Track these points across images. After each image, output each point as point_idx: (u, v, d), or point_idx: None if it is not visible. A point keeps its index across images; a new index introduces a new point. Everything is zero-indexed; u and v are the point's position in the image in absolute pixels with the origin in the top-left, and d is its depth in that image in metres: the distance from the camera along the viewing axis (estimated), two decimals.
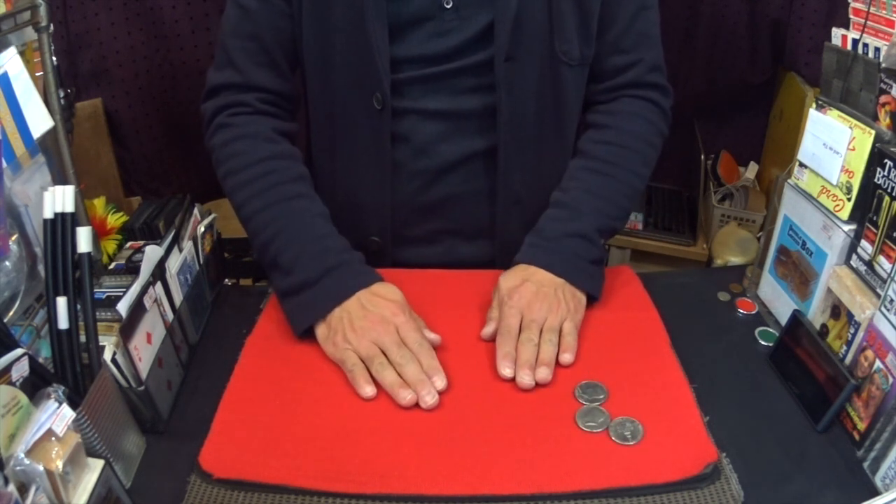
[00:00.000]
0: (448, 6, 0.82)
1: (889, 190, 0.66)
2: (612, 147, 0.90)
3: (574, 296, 0.82)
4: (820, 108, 0.75)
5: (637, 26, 0.88)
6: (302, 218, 0.83)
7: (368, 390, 0.71)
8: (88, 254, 0.67)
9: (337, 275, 0.79)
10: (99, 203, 0.96)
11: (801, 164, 0.79)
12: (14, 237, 0.65)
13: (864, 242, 0.70)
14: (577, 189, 0.88)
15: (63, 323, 0.64)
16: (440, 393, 0.71)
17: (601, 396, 0.70)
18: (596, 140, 0.91)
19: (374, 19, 0.81)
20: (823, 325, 0.75)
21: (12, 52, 0.69)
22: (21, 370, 0.54)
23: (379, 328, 0.74)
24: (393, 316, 0.75)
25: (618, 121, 0.91)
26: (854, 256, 0.72)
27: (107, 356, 0.64)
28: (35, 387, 0.56)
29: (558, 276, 0.82)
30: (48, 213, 0.66)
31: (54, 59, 0.81)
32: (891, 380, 0.62)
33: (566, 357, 0.75)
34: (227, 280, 0.96)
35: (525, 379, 0.71)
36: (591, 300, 0.84)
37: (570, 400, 0.71)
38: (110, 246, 0.92)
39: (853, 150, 0.70)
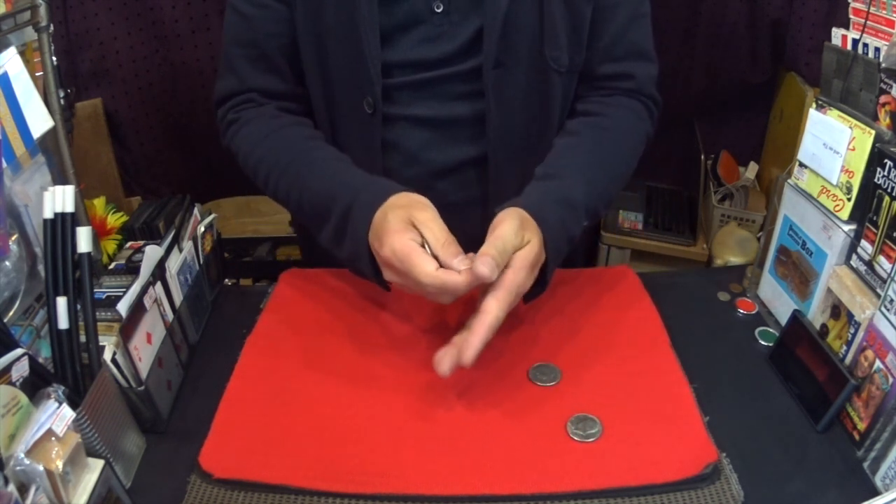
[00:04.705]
0: (438, 10, 0.81)
1: (889, 190, 0.66)
2: (605, 133, 0.87)
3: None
4: (820, 108, 0.75)
5: (630, 35, 0.87)
6: (322, 164, 0.82)
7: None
8: (88, 254, 0.67)
9: (351, 218, 0.74)
10: (99, 203, 0.96)
11: (801, 164, 0.79)
12: (14, 237, 0.65)
13: (864, 242, 0.70)
14: (565, 166, 0.82)
15: (63, 323, 0.64)
16: (440, 393, 0.71)
17: (594, 430, 0.67)
18: (588, 124, 0.88)
19: (366, 22, 0.80)
20: (823, 325, 0.75)
21: (12, 52, 0.69)
22: (21, 370, 0.54)
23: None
24: (395, 266, 0.69)
25: (612, 111, 0.89)
26: (854, 256, 0.72)
27: (107, 356, 0.64)
28: (35, 387, 0.56)
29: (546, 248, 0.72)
30: (48, 213, 0.66)
31: (54, 59, 0.81)
32: (891, 380, 0.62)
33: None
34: (227, 280, 0.96)
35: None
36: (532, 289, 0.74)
37: (569, 401, 0.71)
38: (110, 246, 0.92)
39: (853, 150, 0.70)
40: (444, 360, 0.67)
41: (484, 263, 0.64)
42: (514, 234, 0.68)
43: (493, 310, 0.66)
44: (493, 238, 0.68)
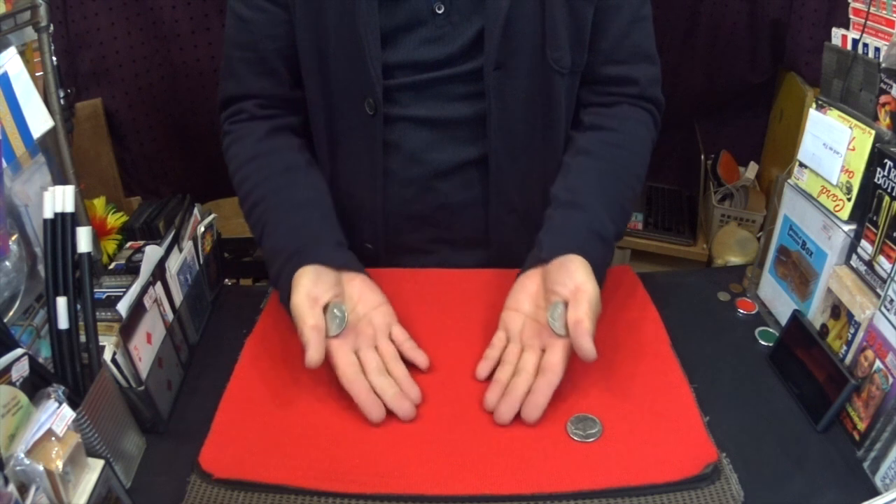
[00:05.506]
0: (440, 11, 0.81)
1: (889, 190, 0.66)
2: (621, 151, 0.87)
3: None
4: (820, 108, 0.75)
5: (632, 38, 0.87)
6: (278, 210, 0.83)
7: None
8: (88, 254, 0.67)
9: (283, 276, 0.78)
10: (99, 203, 0.96)
11: (801, 164, 0.79)
12: (14, 237, 0.65)
13: (864, 242, 0.70)
14: (589, 193, 0.83)
15: (63, 323, 0.64)
16: (440, 393, 0.71)
17: (594, 430, 0.67)
18: (604, 141, 0.88)
19: (367, 23, 0.80)
20: (823, 325, 0.75)
21: (12, 52, 0.69)
22: (21, 370, 0.54)
23: None
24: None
25: (622, 125, 0.89)
26: (854, 256, 0.72)
27: (107, 356, 0.64)
28: (35, 387, 0.56)
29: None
30: (48, 213, 0.66)
31: (54, 59, 0.81)
32: (891, 380, 0.62)
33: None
34: (227, 280, 0.96)
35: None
36: None
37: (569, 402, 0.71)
38: (110, 246, 0.93)
39: (853, 150, 0.70)
40: (505, 410, 0.68)
41: (586, 341, 0.68)
42: (595, 292, 0.72)
43: (557, 369, 0.69)
44: (585, 303, 0.70)
